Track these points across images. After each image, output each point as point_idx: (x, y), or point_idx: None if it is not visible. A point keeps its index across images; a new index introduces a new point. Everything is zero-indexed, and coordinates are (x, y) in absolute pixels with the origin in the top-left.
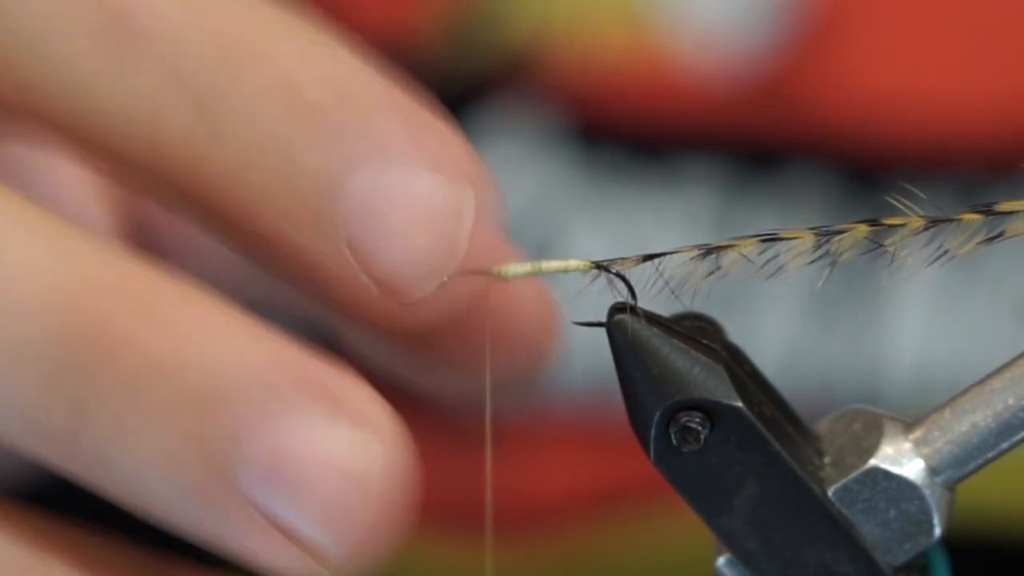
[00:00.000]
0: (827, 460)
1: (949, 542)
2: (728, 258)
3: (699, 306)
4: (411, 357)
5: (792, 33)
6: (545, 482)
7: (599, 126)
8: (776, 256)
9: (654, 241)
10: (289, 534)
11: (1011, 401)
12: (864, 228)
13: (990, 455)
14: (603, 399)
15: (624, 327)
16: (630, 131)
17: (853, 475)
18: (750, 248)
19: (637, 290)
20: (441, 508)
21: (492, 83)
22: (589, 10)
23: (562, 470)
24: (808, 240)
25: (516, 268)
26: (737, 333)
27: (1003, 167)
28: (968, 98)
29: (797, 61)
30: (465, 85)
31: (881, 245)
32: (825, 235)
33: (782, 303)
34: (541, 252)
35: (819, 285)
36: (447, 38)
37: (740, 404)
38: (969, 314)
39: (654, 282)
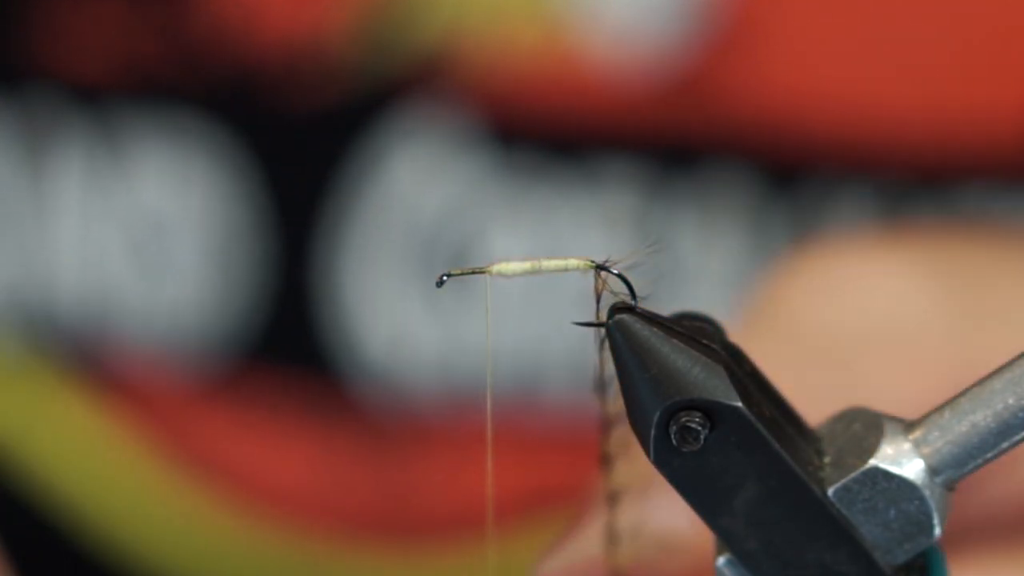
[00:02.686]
0: (827, 460)
1: None
2: None
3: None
4: None
5: (708, 30)
6: (475, 485)
7: (515, 127)
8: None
9: (573, 242)
10: None
11: (1011, 401)
12: None
13: (990, 455)
14: (530, 400)
15: (624, 327)
16: (546, 132)
17: (853, 475)
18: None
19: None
20: (367, 514)
21: (406, 85)
22: (502, 10)
23: (495, 471)
24: None
25: (516, 266)
26: None
27: (925, 175)
28: (891, 103)
29: (713, 59)
30: (378, 87)
31: None
32: None
33: (706, 302)
34: (459, 256)
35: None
36: (359, 40)
37: (740, 404)
38: None
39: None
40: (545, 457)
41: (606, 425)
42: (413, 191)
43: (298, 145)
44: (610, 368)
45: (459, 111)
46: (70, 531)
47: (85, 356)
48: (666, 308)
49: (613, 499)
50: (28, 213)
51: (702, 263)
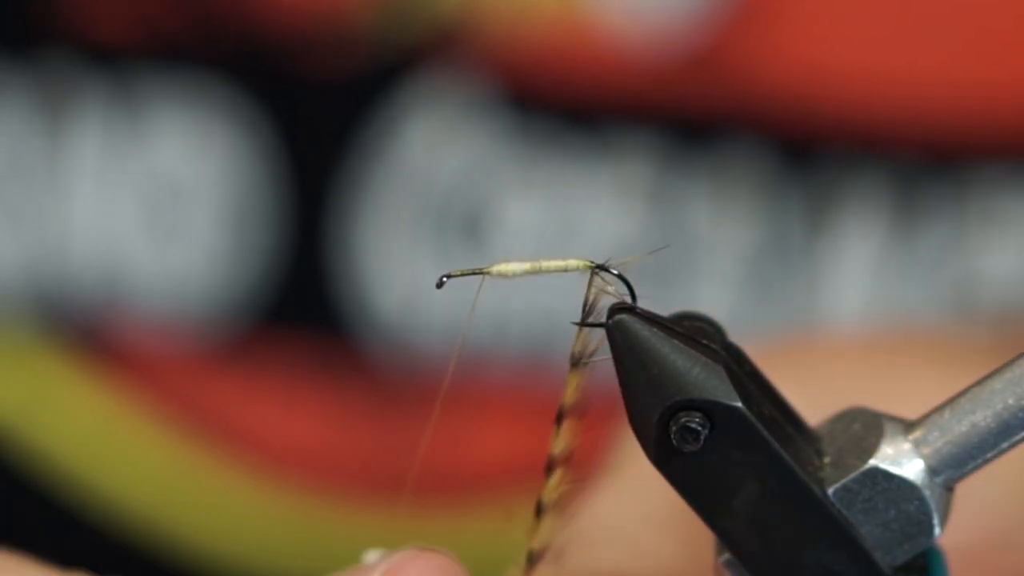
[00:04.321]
0: (827, 460)
1: None
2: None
3: (638, 280)
4: None
5: (724, 5)
6: (482, 449)
7: (531, 96)
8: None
9: (587, 211)
10: None
11: (1011, 401)
12: None
13: (990, 455)
14: (539, 365)
15: (624, 327)
16: (562, 101)
17: (853, 475)
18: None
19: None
20: (379, 475)
21: (424, 53)
22: None
23: (498, 437)
24: None
25: (516, 267)
26: (675, 307)
27: (941, 155)
28: (909, 80)
29: (730, 32)
30: (397, 55)
31: None
32: None
33: (719, 277)
34: (472, 222)
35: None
36: (378, 8)
37: (740, 404)
38: (906, 290)
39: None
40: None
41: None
42: (428, 157)
43: (315, 111)
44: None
45: (476, 79)
46: (80, 508)
47: (96, 326)
48: (678, 282)
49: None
50: (45, 177)
51: (715, 237)
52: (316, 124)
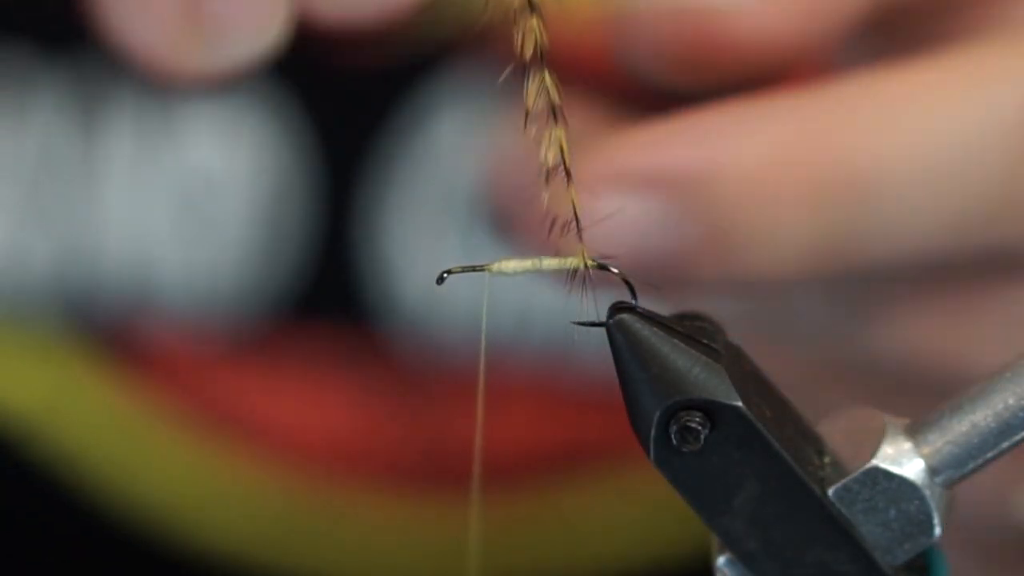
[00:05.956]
0: (827, 460)
1: None
2: None
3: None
4: None
5: None
6: (504, 439)
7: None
8: None
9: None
10: None
11: (1011, 401)
12: None
13: (990, 455)
14: (562, 357)
15: (624, 327)
16: (591, 95)
17: (853, 475)
18: None
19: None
20: (403, 465)
21: (456, 47)
22: None
23: (521, 427)
24: None
25: (515, 264)
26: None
27: None
28: None
29: None
30: (428, 48)
31: None
32: None
33: None
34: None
35: None
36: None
37: (740, 404)
38: None
39: None
40: (576, 414)
41: None
42: (457, 149)
43: (346, 102)
44: None
45: (506, 75)
46: (106, 507)
47: (124, 325)
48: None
49: None
50: (77, 173)
51: None
52: (346, 115)
